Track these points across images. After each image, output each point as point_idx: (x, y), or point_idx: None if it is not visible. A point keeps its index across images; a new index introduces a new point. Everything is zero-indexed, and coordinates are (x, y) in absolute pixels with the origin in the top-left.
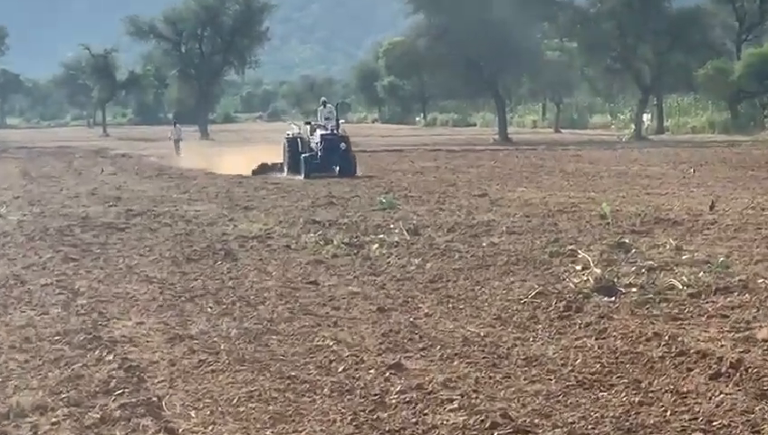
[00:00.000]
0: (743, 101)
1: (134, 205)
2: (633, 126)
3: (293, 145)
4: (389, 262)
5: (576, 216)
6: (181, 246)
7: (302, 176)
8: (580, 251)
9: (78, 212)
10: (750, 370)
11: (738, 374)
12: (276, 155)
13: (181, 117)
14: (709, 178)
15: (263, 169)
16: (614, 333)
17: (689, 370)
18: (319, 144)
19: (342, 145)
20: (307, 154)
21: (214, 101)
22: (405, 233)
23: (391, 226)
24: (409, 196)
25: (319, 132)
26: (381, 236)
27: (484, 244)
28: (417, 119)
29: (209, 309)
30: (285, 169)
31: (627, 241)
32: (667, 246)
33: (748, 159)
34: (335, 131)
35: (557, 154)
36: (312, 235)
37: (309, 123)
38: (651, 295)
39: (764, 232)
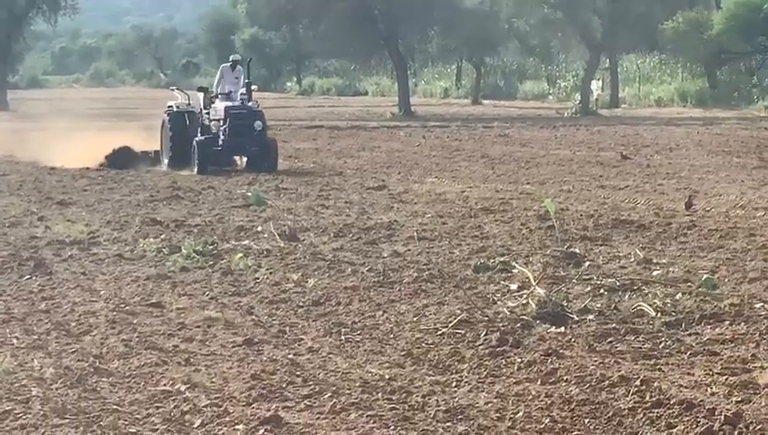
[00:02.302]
0: (724, 66)
1: None
2: (578, 97)
3: (179, 123)
4: (258, 278)
5: (507, 216)
6: None
7: (195, 169)
8: (515, 264)
9: None
10: (752, 426)
11: (737, 433)
12: (130, 137)
13: None
14: (682, 167)
15: (124, 158)
16: (566, 377)
17: (670, 426)
18: (222, 122)
19: (257, 124)
20: (202, 137)
21: (15, 59)
22: (277, 238)
23: (259, 228)
24: (281, 188)
25: (222, 104)
26: (246, 242)
27: (385, 254)
28: (289, 84)
29: (15, 341)
30: (165, 158)
31: (577, 251)
32: (632, 258)
33: (732, 141)
34: (245, 103)
35: (477, 133)
36: (152, 240)
37: (204, 90)
38: (614, 325)
39: (759, 239)
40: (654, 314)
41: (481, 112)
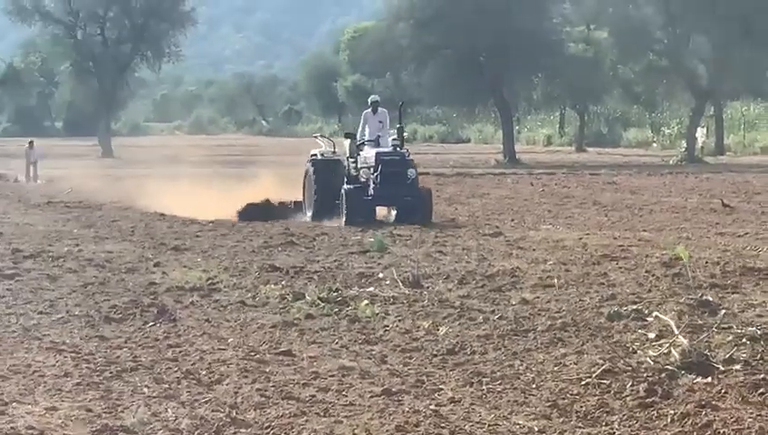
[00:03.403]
0: None
1: (22, 243)
2: (684, 144)
3: (325, 172)
4: (387, 325)
5: (630, 263)
6: (95, 301)
7: (343, 220)
8: (652, 313)
9: None
10: None
11: None
12: (257, 190)
13: (76, 126)
14: None
15: (261, 210)
16: (723, 429)
17: None
18: (372, 170)
19: (411, 172)
20: (351, 186)
21: (119, 105)
22: (401, 285)
23: (380, 275)
24: (396, 234)
25: (371, 151)
26: (370, 289)
27: (513, 301)
28: (392, 131)
29: (146, 389)
30: (308, 209)
31: (711, 299)
32: None
33: None
34: (399, 148)
35: (585, 180)
36: (273, 286)
37: (351, 137)
38: (764, 375)
39: None
40: None
41: (586, 159)
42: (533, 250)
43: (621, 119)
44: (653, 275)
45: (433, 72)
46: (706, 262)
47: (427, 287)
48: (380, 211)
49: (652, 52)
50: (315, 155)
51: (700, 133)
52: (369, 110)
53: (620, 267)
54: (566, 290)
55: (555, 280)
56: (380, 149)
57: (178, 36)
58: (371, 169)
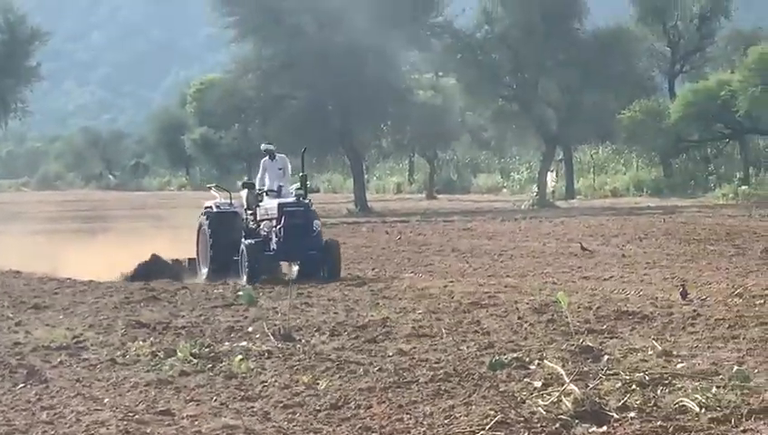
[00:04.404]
0: (681, 154)
1: None
2: (535, 189)
3: (220, 225)
4: (265, 380)
5: (500, 310)
6: None
7: (244, 279)
8: (532, 360)
9: None
10: None
11: None
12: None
13: None
14: (659, 257)
15: (151, 269)
16: None
17: None
18: (275, 223)
19: (316, 224)
20: (251, 241)
21: None
22: (272, 338)
23: (250, 329)
24: (258, 286)
25: (273, 201)
26: (242, 343)
27: (390, 352)
28: (239, 183)
29: None
30: (203, 267)
31: (590, 344)
32: (650, 351)
33: (699, 229)
34: (302, 199)
35: (440, 227)
36: (141, 343)
37: (249, 186)
38: (660, 422)
39: None
40: (698, 409)
41: (437, 207)
42: (400, 299)
43: (471, 165)
44: (526, 322)
45: (281, 122)
46: (578, 306)
47: (300, 340)
48: (286, 267)
49: (501, 97)
50: (210, 207)
51: (550, 178)
52: (267, 157)
53: (492, 314)
54: (441, 339)
55: (428, 329)
56: (283, 200)
57: (24, 92)
58: (273, 222)
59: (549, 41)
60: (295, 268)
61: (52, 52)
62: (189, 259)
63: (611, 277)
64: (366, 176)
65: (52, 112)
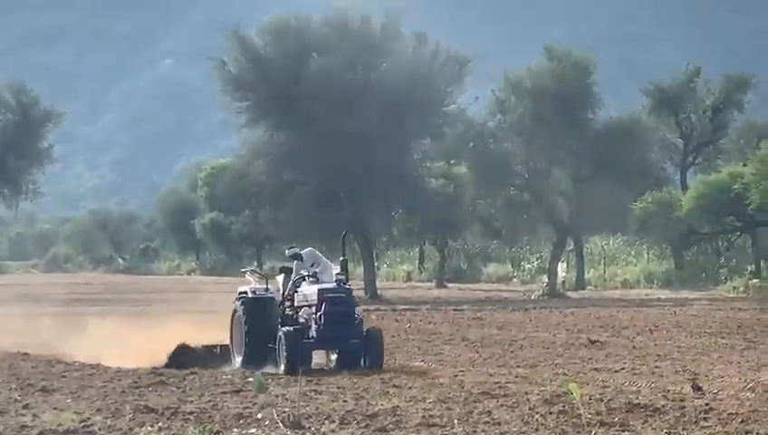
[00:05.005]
0: (692, 246)
1: None
2: (545, 279)
3: (256, 311)
4: None
5: (511, 401)
6: None
7: (282, 368)
8: None
9: None
10: None
11: None
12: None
13: None
14: (670, 349)
15: (182, 358)
16: None
17: None
18: (314, 309)
19: (357, 311)
20: (290, 328)
21: None
22: (281, 425)
23: (259, 415)
24: (266, 373)
25: (313, 287)
26: (252, 430)
27: None
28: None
29: None
30: (237, 355)
31: None
32: None
33: (710, 322)
34: (343, 284)
35: (450, 316)
36: (149, 428)
37: (287, 271)
38: None
39: None
40: None
41: (447, 295)
42: (410, 388)
43: (481, 253)
44: (537, 413)
45: (291, 209)
46: (590, 398)
47: (309, 428)
48: (318, 356)
49: (513, 186)
50: (245, 292)
51: (561, 268)
52: (296, 262)
53: (502, 405)
54: (452, 429)
55: (439, 419)
56: (323, 286)
57: (37, 174)
58: (313, 308)
59: (561, 131)
60: (334, 356)
61: (64, 133)
62: (221, 346)
63: (622, 369)
64: (376, 263)
65: (63, 194)
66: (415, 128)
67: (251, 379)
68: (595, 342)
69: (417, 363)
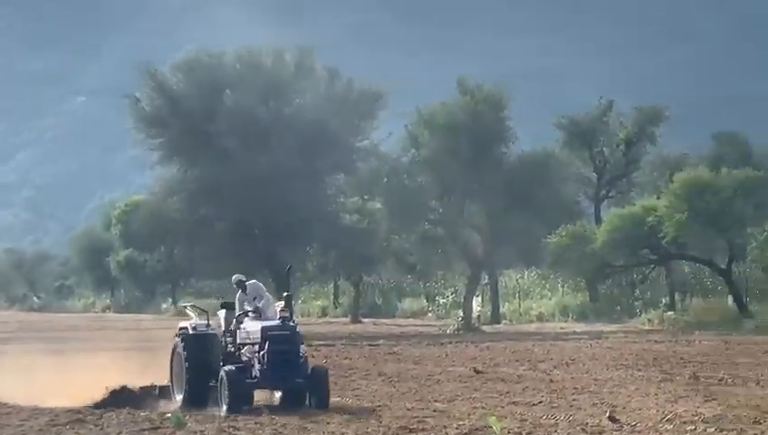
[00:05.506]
0: (606, 279)
1: None
2: (460, 313)
3: (197, 348)
4: None
5: None
6: None
7: (224, 408)
8: None
9: None
10: None
11: None
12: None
13: None
14: (588, 382)
15: (120, 399)
16: None
17: None
18: (258, 347)
19: (302, 349)
20: (232, 367)
21: None
22: None
23: None
24: (183, 410)
25: (256, 324)
26: None
27: None
28: (165, 306)
29: None
30: (178, 394)
31: None
32: None
33: (626, 355)
34: (288, 321)
35: (365, 352)
36: None
37: (229, 306)
38: None
39: None
40: None
41: (362, 330)
42: (328, 423)
43: (396, 288)
44: None
45: (206, 245)
46: (509, 432)
47: None
48: (259, 393)
49: (427, 221)
50: (185, 328)
51: (475, 302)
52: (240, 291)
53: None
54: None
55: None
56: (267, 323)
57: None
58: (256, 347)
59: (475, 165)
60: (278, 395)
61: None
62: (160, 387)
63: (540, 402)
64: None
65: None
66: (328, 163)
67: (168, 415)
68: (479, 372)
69: (334, 399)
